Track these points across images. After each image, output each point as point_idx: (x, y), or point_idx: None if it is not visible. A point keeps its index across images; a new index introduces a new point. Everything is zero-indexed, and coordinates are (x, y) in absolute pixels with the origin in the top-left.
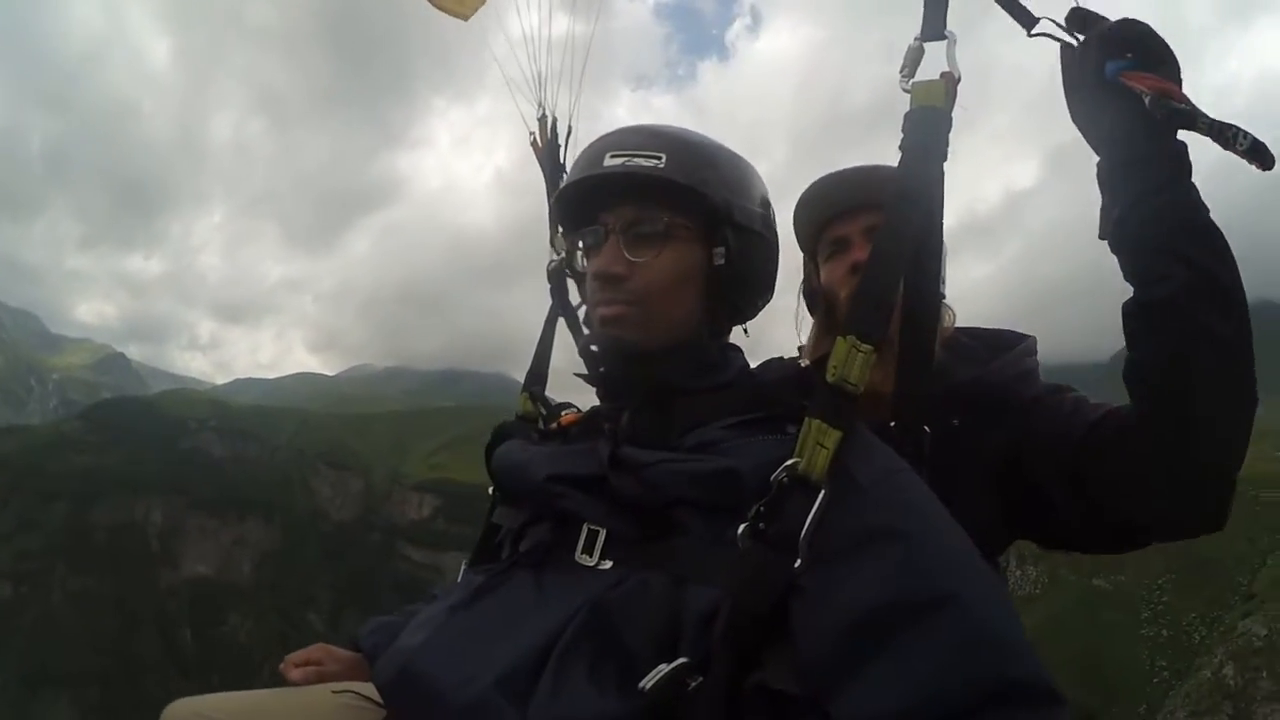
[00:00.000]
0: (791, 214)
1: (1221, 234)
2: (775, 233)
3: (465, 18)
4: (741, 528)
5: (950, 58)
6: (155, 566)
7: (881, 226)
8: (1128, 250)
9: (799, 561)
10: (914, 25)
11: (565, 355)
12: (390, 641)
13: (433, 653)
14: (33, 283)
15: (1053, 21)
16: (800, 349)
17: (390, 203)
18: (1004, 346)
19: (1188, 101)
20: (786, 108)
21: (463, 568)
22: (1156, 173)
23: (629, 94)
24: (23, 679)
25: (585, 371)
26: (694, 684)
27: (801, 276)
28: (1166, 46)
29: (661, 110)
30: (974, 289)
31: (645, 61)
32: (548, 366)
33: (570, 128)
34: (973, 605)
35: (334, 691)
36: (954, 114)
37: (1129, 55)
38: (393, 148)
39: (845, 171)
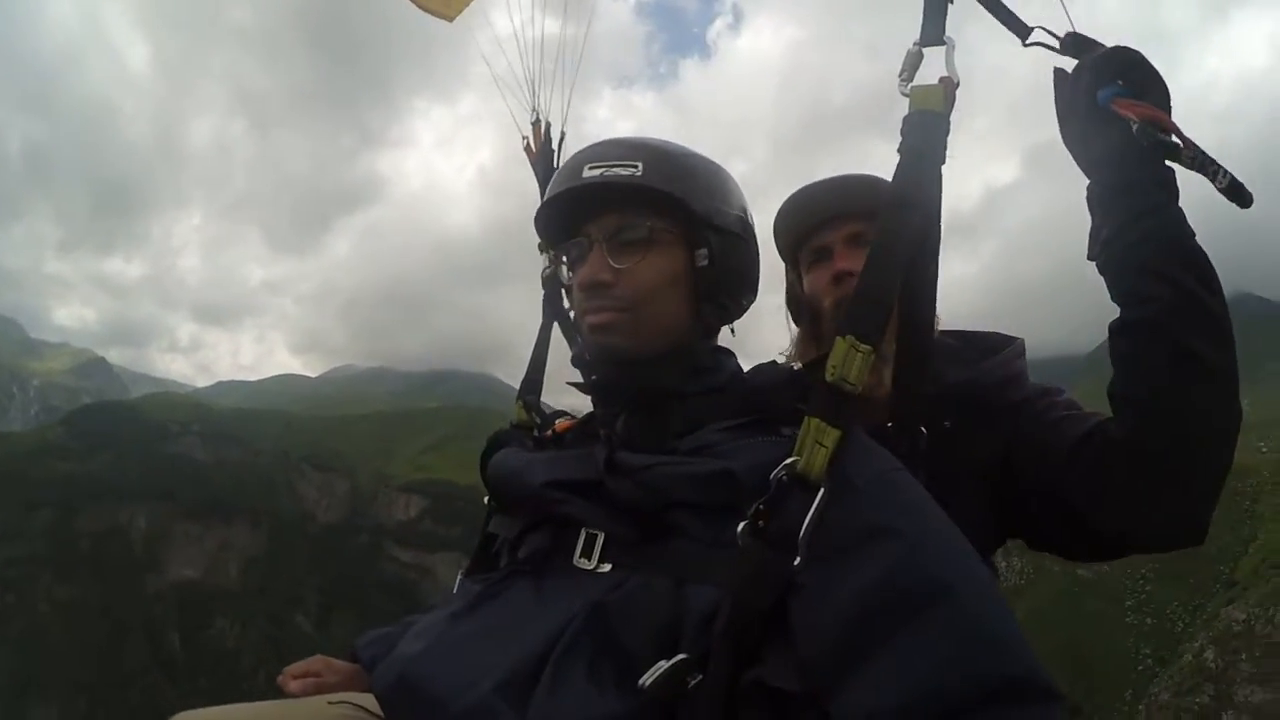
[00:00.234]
0: (773, 214)
1: (1208, 260)
2: (754, 235)
3: (450, 18)
4: (741, 525)
5: (949, 63)
6: (141, 572)
7: (880, 228)
8: (1114, 271)
9: (798, 560)
10: (895, 26)
11: (562, 363)
12: (388, 652)
13: (431, 660)
14: (11, 287)
15: (1045, 30)
16: (784, 355)
17: (372, 203)
18: (993, 349)
19: (1177, 130)
20: (767, 106)
21: (459, 578)
22: (1144, 198)
23: (610, 93)
24: (10, 689)
25: (580, 380)
26: (694, 681)
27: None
28: (1157, 75)
29: (643, 110)
30: (955, 286)
31: (627, 61)
32: (543, 374)
33: (563, 132)
34: (969, 602)
35: (330, 703)
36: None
37: (1120, 82)
38: (374, 148)
39: (824, 181)
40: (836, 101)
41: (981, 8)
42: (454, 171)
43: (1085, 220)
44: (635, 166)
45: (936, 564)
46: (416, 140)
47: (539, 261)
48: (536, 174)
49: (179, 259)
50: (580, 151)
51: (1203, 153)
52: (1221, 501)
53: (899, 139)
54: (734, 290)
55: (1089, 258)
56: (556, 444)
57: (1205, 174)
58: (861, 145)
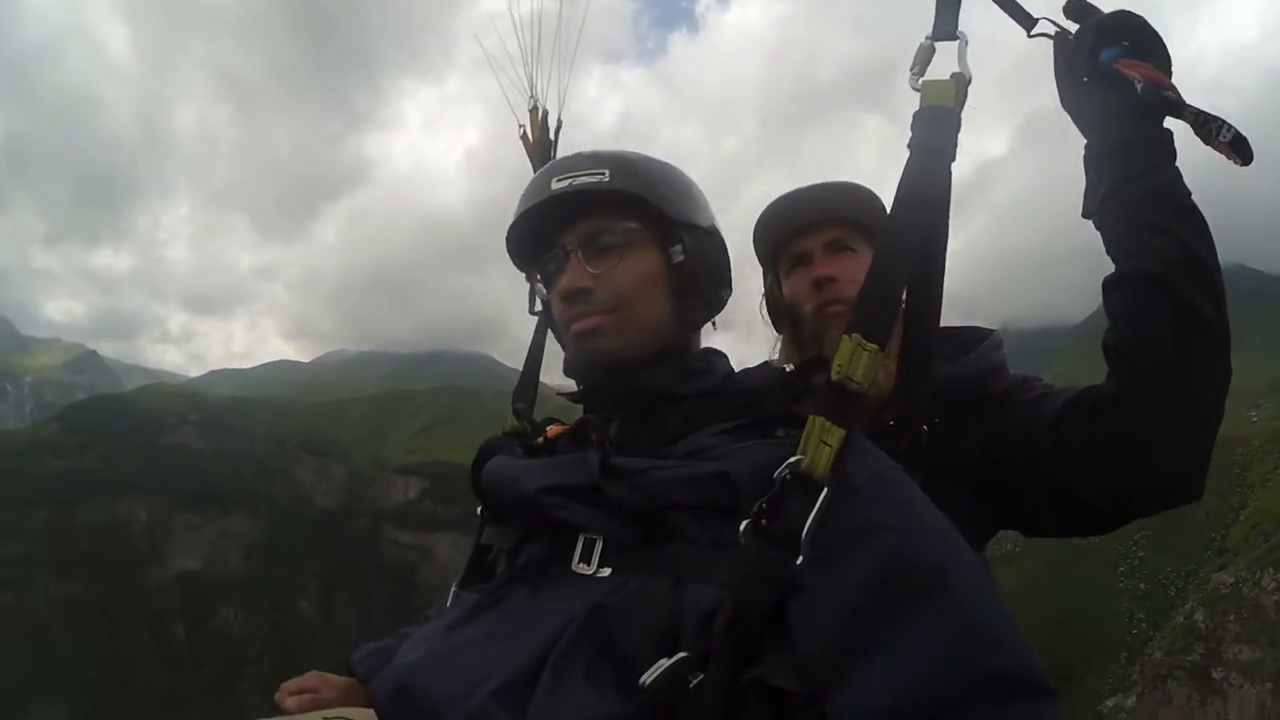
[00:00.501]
0: (762, 188)
1: (1205, 221)
2: (721, 234)
3: None
4: (743, 524)
5: (961, 59)
6: (143, 565)
7: (888, 225)
8: (1113, 225)
9: (800, 559)
10: (883, 3)
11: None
12: (384, 664)
13: (429, 668)
14: None
15: (1050, 21)
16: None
17: (358, 187)
18: (971, 343)
19: (1176, 92)
20: (756, 81)
21: (453, 590)
22: (1145, 156)
23: (599, 70)
24: (14, 689)
25: (572, 390)
26: (694, 680)
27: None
28: (1159, 38)
29: (631, 86)
30: (957, 259)
31: (615, 37)
32: (537, 380)
33: (560, 121)
34: (964, 598)
35: (326, 718)
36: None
37: (1124, 43)
38: (361, 130)
39: (805, 188)
40: (825, 76)
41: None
42: (441, 153)
43: (1074, 194)
44: (602, 174)
45: (931, 559)
46: (404, 121)
47: None
48: (534, 166)
49: (167, 249)
50: (545, 167)
51: (1204, 111)
52: (1212, 470)
53: (909, 133)
54: (711, 284)
55: (1084, 214)
56: (548, 451)
57: (1209, 129)
58: (850, 120)
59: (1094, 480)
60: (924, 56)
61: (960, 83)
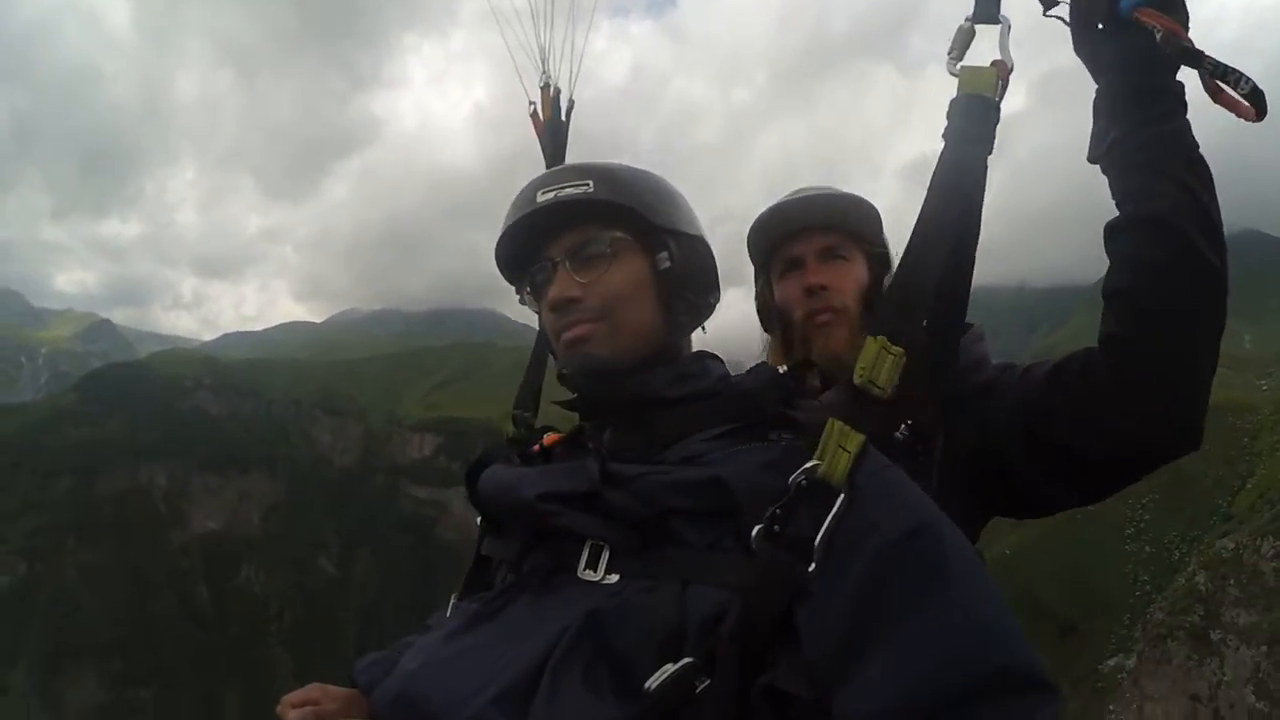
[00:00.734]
0: (772, 142)
1: (1211, 173)
2: (708, 242)
3: None
4: (756, 529)
5: (1003, 45)
6: (165, 529)
7: (920, 220)
8: (1120, 170)
9: (813, 565)
10: None
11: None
12: (385, 675)
13: (429, 676)
14: (9, 260)
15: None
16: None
17: (367, 145)
18: None
19: (1192, 44)
20: (768, 32)
21: (453, 600)
22: (1157, 104)
23: (607, 23)
24: (45, 656)
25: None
26: (701, 686)
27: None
28: None
29: (640, 39)
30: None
31: None
32: (540, 390)
33: (572, 101)
34: (965, 595)
35: None
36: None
37: None
38: (367, 89)
39: (804, 195)
40: (838, 27)
41: None
42: (449, 109)
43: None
44: (586, 184)
45: (931, 557)
46: (410, 79)
47: None
48: (544, 147)
49: (175, 214)
50: (530, 181)
51: (1222, 62)
52: (1221, 437)
53: (944, 122)
54: (699, 289)
55: (1090, 158)
56: (545, 458)
57: (1227, 81)
58: (862, 72)
59: (1094, 431)
60: (963, 39)
61: (1002, 71)
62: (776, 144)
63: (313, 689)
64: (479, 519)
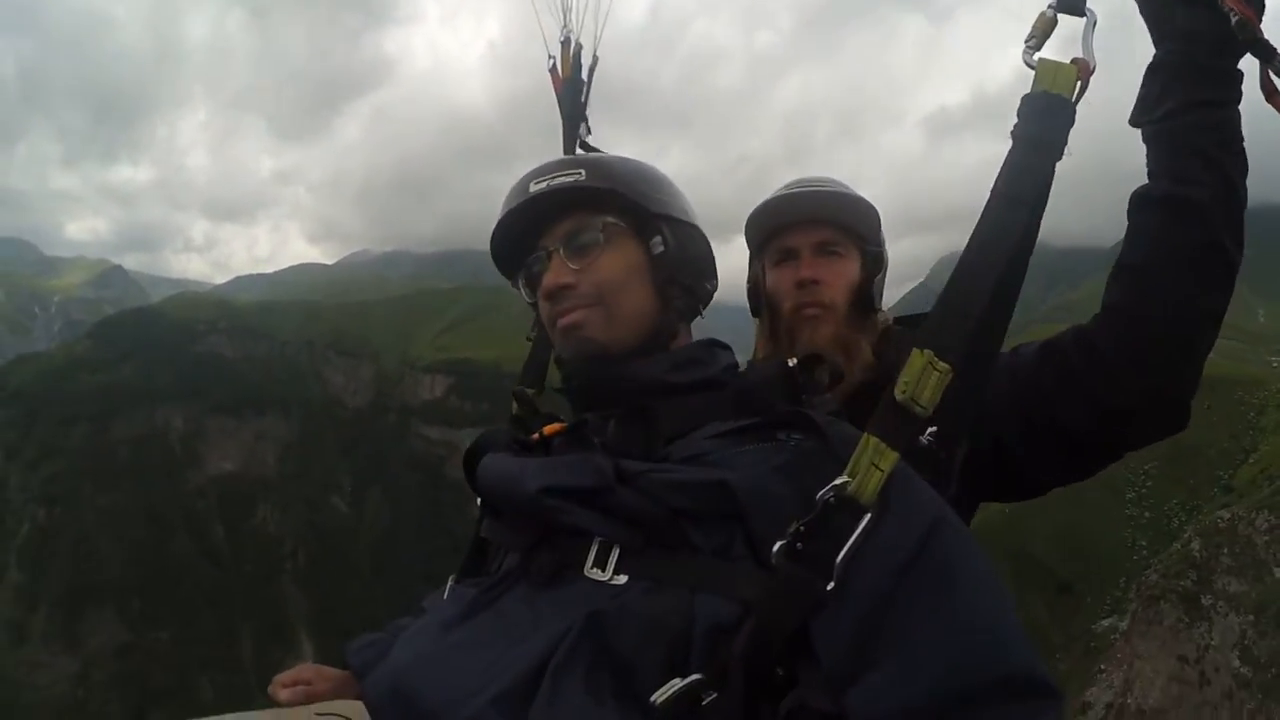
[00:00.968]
0: (801, 86)
1: (1249, 166)
2: (703, 231)
3: None
4: (778, 546)
5: (1087, 42)
6: (181, 470)
7: (981, 225)
8: (1167, 142)
9: (832, 584)
10: None
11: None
12: (379, 659)
13: (425, 670)
14: (20, 209)
15: None
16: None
17: (379, 85)
18: None
19: (1263, 35)
20: None
21: (450, 583)
22: (1218, 87)
23: None
24: (66, 598)
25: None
26: (708, 700)
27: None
28: None
29: None
30: (987, 169)
31: None
32: (546, 365)
33: (596, 57)
34: (971, 600)
35: (318, 714)
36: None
37: None
38: (380, 26)
39: (805, 186)
40: None
41: None
42: (462, 47)
43: (1118, 117)
44: (578, 173)
45: (938, 561)
46: (423, 17)
47: (551, 136)
48: (561, 106)
49: (186, 158)
50: (523, 174)
51: None
52: (1227, 410)
53: (1014, 120)
54: (695, 274)
55: (1133, 122)
56: (544, 448)
57: None
58: (887, 18)
59: (1084, 403)
60: (1044, 28)
61: (1083, 71)
62: (798, 90)
63: (305, 669)
64: (478, 500)
